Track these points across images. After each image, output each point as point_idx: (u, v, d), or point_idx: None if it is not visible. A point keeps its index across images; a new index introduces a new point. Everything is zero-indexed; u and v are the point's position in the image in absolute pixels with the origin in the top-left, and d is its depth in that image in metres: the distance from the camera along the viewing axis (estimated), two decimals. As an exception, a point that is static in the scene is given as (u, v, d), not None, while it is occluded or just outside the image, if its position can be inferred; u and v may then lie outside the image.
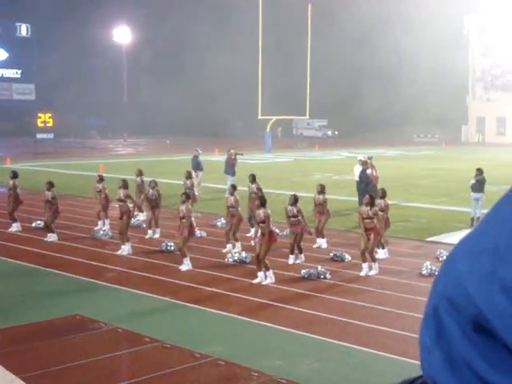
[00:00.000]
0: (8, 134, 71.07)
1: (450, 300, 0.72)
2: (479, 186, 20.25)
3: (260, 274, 13.63)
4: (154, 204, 18.44)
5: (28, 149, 51.25)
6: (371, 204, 14.56)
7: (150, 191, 18.52)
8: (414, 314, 11.27)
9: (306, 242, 16.55)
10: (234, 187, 17.19)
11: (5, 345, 9.51)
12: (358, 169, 22.96)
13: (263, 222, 13.64)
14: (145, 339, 9.83)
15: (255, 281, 13.59)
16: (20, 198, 19.41)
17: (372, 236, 14.32)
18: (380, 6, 79.38)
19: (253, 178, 19.37)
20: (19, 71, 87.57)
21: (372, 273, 14.25)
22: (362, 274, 14.28)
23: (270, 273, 13.62)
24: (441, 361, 0.73)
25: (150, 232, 18.43)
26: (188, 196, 15.38)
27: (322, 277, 13.86)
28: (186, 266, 14.60)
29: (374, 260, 14.47)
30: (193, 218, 15.02)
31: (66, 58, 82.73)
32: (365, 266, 14.36)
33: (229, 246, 16.56)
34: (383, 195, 16.13)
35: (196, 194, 26.36)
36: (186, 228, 14.62)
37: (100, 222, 19.43)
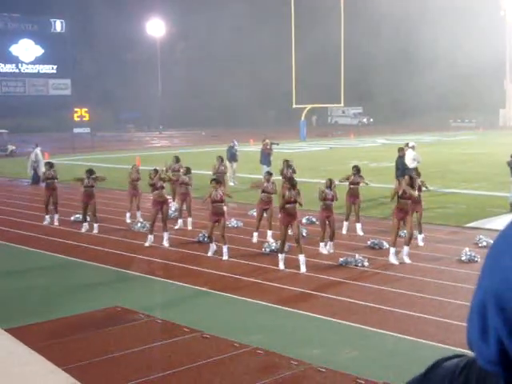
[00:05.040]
0: (45, 129, 71.89)
1: (497, 294, 0.70)
2: None
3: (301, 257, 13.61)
4: (185, 191, 18.48)
5: (65, 143, 51.83)
6: (411, 185, 14.40)
7: (182, 178, 18.50)
8: (454, 301, 11.18)
9: (339, 229, 16.54)
10: (270, 174, 17.12)
11: (47, 337, 9.66)
12: (409, 154, 22.55)
13: (292, 202, 13.60)
14: (184, 329, 9.89)
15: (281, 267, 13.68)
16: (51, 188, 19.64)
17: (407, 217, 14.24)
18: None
19: (288, 164, 19.41)
20: (55, 67, 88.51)
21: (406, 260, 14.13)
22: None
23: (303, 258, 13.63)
24: (490, 355, 0.72)
25: (180, 221, 18.48)
26: (218, 181, 15.29)
27: (359, 265, 13.79)
28: (226, 254, 14.64)
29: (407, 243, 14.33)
30: (224, 207, 15.10)
31: (100, 52, 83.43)
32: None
33: (255, 234, 16.40)
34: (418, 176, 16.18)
35: (231, 184, 26.51)
36: (222, 214, 14.69)
37: (138, 213, 19.54)
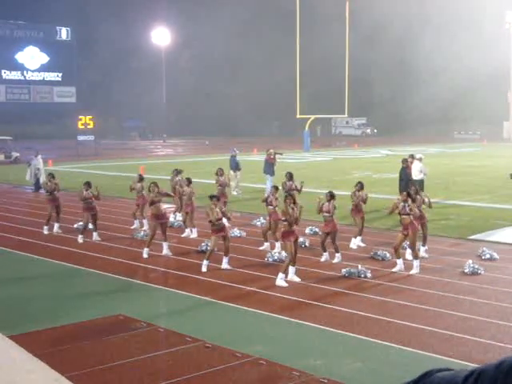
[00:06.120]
0: (50, 136, 72.05)
1: None
2: None
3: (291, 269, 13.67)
4: (188, 202, 18.64)
5: (69, 151, 51.96)
6: (411, 200, 14.47)
7: (185, 188, 18.74)
8: (457, 313, 11.17)
9: (343, 240, 16.53)
10: (276, 188, 17.26)
11: (50, 344, 9.66)
12: (416, 166, 22.61)
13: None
14: (187, 339, 9.89)
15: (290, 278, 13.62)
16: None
17: (410, 232, 14.24)
18: (419, 2, 78.66)
19: (290, 176, 19.43)
20: (60, 74, 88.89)
21: (414, 271, 14.11)
22: (395, 269, 14.26)
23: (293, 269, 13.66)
24: None
25: (187, 231, 18.62)
26: (218, 198, 15.33)
27: (362, 276, 13.78)
28: (226, 264, 14.68)
29: (416, 257, 14.30)
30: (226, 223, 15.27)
31: (105, 60, 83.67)
32: (399, 262, 14.35)
33: (266, 244, 16.62)
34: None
35: (235, 193, 26.57)
36: (224, 229, 14.77)
37: (136, 222, 19.68)
